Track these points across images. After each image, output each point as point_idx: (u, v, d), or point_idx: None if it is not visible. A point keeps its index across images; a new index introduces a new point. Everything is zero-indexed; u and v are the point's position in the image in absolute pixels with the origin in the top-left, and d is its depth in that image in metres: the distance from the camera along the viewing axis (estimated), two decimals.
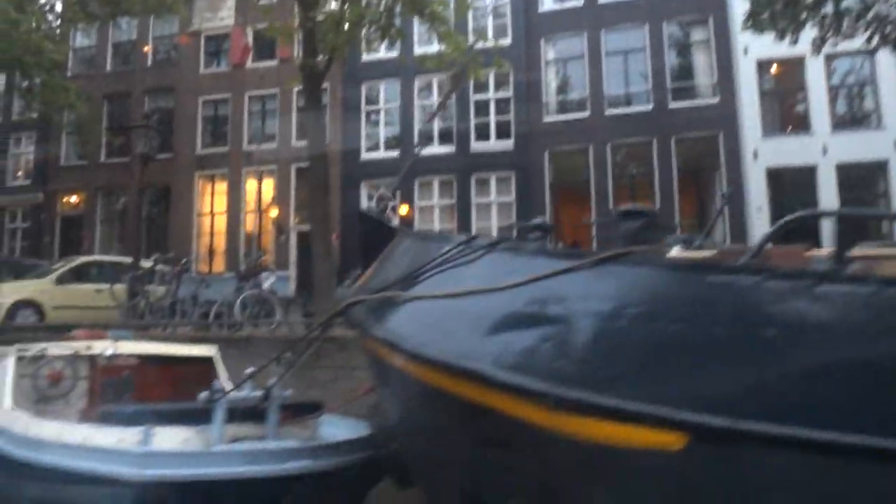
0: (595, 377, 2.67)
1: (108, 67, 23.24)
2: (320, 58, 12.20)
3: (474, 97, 20.23)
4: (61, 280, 13.04)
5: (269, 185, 21.60)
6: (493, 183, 19.92)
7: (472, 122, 20.21)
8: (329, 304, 11.75)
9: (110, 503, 3.84)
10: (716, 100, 18.57)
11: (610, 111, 19.23)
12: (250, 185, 21.72)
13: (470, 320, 2.99)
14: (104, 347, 6.28)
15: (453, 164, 20.07)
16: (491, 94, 20.19)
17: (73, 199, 23.00)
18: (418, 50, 19.16)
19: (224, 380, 6.90)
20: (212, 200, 22.02)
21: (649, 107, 18.95)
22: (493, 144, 19.96)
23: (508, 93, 20.03)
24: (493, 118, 20.15)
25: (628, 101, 19.34)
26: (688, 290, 2.67)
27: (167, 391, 6.57)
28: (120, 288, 12.11)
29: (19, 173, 23.70)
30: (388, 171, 20.56)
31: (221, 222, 21.77)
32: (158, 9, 17.52)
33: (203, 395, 4.26)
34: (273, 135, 21.66)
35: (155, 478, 3.75)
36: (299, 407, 4.69)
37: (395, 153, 20.62)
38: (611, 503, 2.63)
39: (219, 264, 21.25)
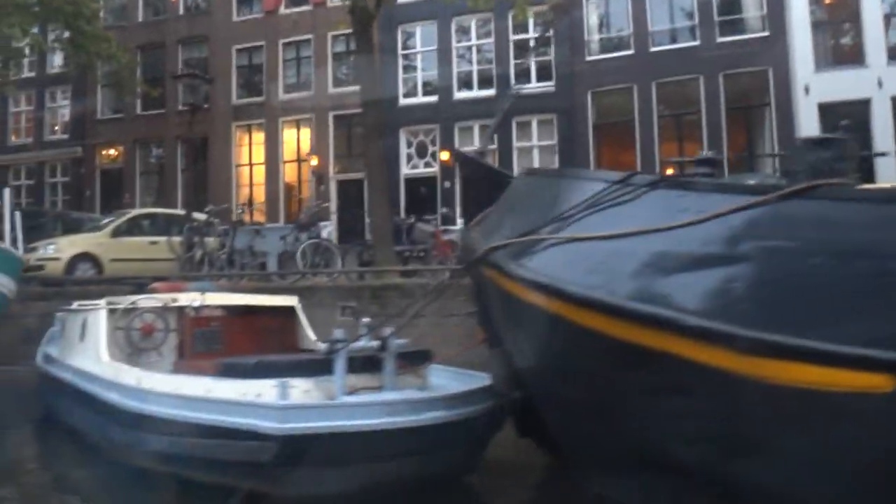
0: (790, 319, 2.56)
1: (140, 18, 22.95)
2: None
3: (514, 38, 19.74)
4: (117, 233, 13.11)
5: (306, 135, 21.41)
6: (534, 126, 19.57)
7: (512, 63, 19.75)
8: (388, 250, 11.70)
9: (248, 456, 3.80)
10: (765, 33, 17.91)
11: (654, 48, 18.67)
12: (288, 134, 21.56)
13: (639, 262, 2.88)
14: (192, 299, 6.28)
15: (493, 108, 19.67)
16: (531, 35, 19.67)
17: (112, 152, 23.03)
18: None
19: (307, 329, 6.92)
20: (250, 151, 21.92)
21: (695, 42, 18.34)
22: (534, 86, 19.50)
23: (549, 32, 19.46)
24: (533, 59, 19.66)
25: (673, 37, 18.75)
26: (888, 224, 2.52)
27: (253, 341, 6.59)
28: (177, 240, 12.13)
29: (56, 128, 23.71)
30: (426, 118, 20.32)
31: (260, 173, 21.71)
32: None
33: (324, 345, 4.20)
34: (309, 83, 21.36)
35: (294, 431, 3.71)
36: (409, 356, 4.64)
37: (432, 98, 20.28)
38: (809, 447, 2.54)
39: (259, 215, 21.26)
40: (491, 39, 19.95)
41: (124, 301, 6.18)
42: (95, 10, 14.79)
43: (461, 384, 4.56)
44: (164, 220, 14.11)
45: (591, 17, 19.46)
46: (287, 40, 21.54)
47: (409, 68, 20.73)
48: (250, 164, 21.87)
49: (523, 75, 19.69)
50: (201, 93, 13.22)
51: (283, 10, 21.58)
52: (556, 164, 19.18)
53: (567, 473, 4.12)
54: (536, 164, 19.47)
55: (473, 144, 20.07)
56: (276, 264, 12.95)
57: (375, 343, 4.37)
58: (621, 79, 18.76)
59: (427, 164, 20.39)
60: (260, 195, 21.58)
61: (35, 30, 14.68)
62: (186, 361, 6.03)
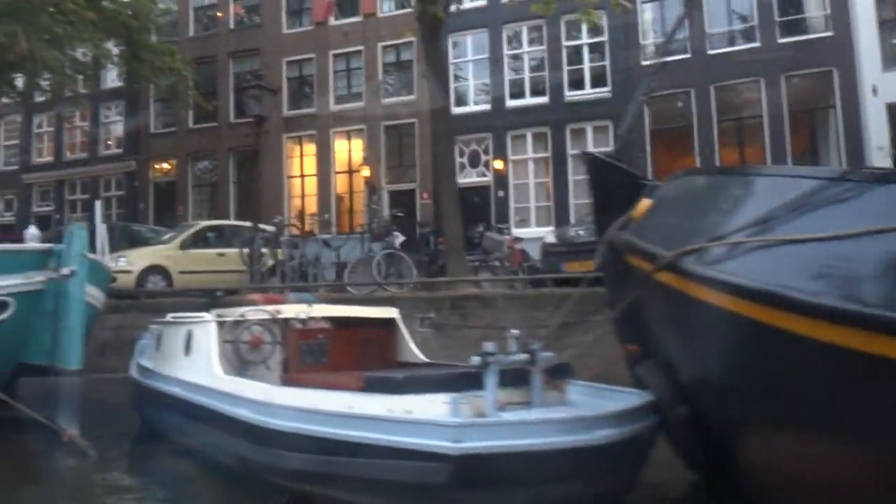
0: None
1: (191, 33, 23.19)
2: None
3: (566, 43, 19.54)
4: (185, 245, 13.12)
5: (357, 146, 21.41)
6: (589, 133, 19.30)
7: (565, 69, 19.54)
8: (460, 259, 11.49)
9: (416, 477, 3.57)
10: (829, 33, 17.47)
11: (712, 51, 18.33)
12: (339, 145, 21.57)
13: (881, 265, 2.62)
14: (297, 311, 6.15)
15: (546, 116, 19.52)
16: (584, 40, 19.46)
17: (165, 165, 23.27)
18: None
19: (409, 342, 6.75)
20: (301, 163, 21.97)
21: (755, 44, 17.96)
22: (589, 93, 19.27)
23: (603, 37, 19.25)
24: (587, 65, 19.44)
25: (732, 39, 18.39)
26: None
27: (355, 354, 6.45)
28: (247, 252, 12.08)
29: (110, 143, 24.04)
30: (478, 127, 20.13)
31: (311, 184, 21.74)
32: None
33: (475, 359, 3.98)
34: (360, 94, 21.37)
35: (472, 450, 3.48)
36: (551, 370, 4.42)
37: (485, 107, 20.15)
38: None
39: (309, 226, 21.26)
40: (543, 46, 19.75)
41: (231, 313, 6.07)
42: (159, 24, 14.92)
43: (607, 400, 4.34)
44: (229, 232, 14.12)
45: (646, 21, 19.16)
46: (337, 52, 21.59)
47: (459, 77, 20.59)
48: (301, 176, 21.92)
49: (577, 82, 19.46)
50: (267, 103, 13.20)
51: (332, 21, 21.63)
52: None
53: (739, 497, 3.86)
54: None
55: (526, 153, 19.93)
56: (333, 275, 12.81)
57: (523, 357, 4.15)
58: (678, 83, 18.38)
59: (480, 174, 20.23)
60: (311, 206, 21.60)
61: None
62: (293, 375, 5.90)
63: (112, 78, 23.42)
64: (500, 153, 19.91)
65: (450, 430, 3.56)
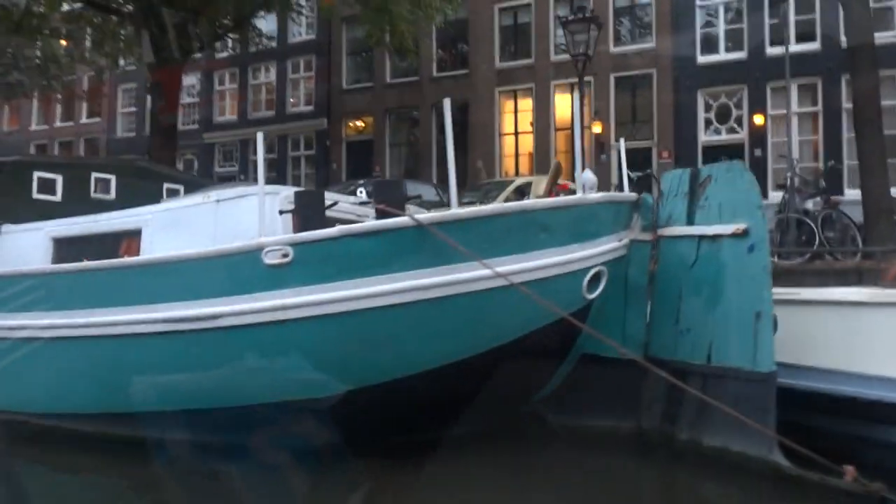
0: None
1: None
2: None
3: None
4: None
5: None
6: None
7: (841, 12, 17.02)
8: (890, 227, 9.42)
9: None
10: None
11: None
12: (560, 100, 19.57)
13: None
14: None
15: (817, 64, 17.12)
16: None
17: (359, 123, 21.70)
18: None
19: None
20: (515, 119, 20.09)
21: None
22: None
23: None
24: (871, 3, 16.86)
25: None
26: None
27: None
28: None
29: (300, 99, 22.57)
30: (730, 78, 17.91)
31: (527, 142, 19.87)
32: None
33: None
34: None
35: None
36: None
37: (739, 55, 17.84)
38: None
39: None
40: None
41: None
42: None
43: None
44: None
45: None
46: None
47: (708, 20, 18.31)
48: (515, 133, 20.07)
49: None
50: (593, 39, 11.27)
51: None
52: None
53: None
54: None
55: (790, 106, 17.55)
56: None
57: None
58: None
59: (731, 130, 18.03)
60: (525, 166, 19.79)
61: None
62: None
63: (299, 31, 22.01)
64: (759, 107, 17.65)
65: None
